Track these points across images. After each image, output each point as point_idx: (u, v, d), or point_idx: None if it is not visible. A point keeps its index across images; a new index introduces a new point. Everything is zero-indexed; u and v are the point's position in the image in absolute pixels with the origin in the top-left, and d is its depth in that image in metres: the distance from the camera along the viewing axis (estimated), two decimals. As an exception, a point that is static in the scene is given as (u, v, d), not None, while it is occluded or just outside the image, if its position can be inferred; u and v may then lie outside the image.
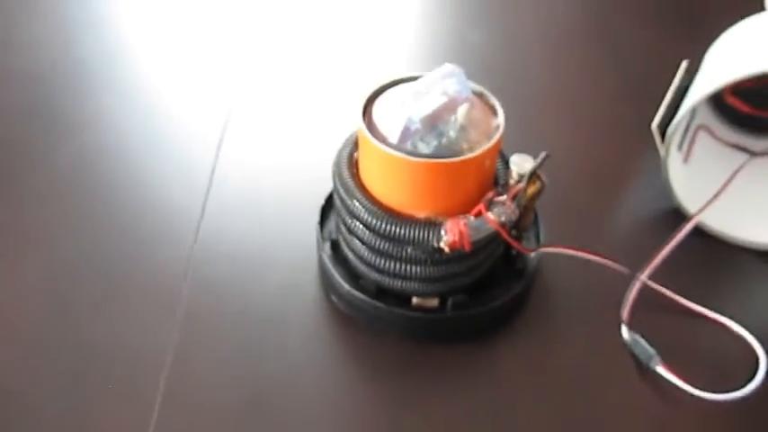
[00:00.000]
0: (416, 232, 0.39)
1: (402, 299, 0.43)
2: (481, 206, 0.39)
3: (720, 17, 0.53)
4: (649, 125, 0.49)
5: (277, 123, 0.61)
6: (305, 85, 0.65)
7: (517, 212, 0.39)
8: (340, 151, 0.43)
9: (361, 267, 0.43)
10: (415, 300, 0.43)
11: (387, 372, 0.43)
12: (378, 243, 0.41)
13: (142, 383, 0.42)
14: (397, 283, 0.42)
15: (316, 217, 0.48)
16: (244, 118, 0.61)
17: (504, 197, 0.39)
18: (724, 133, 0.54)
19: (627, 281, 0.45)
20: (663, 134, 0.49)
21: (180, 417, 0.41)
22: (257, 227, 0.51)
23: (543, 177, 0.40)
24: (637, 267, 0.46)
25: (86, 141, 0.58)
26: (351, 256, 0.44)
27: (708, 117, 0.54)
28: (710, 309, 0.45)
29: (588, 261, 0.45)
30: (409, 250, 0.40)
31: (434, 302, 0.43)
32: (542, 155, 0.39)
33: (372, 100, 0.40)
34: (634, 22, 0.73)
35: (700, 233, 0.49)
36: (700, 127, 0.52)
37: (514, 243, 0.40)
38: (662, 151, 0.48)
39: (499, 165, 0.42)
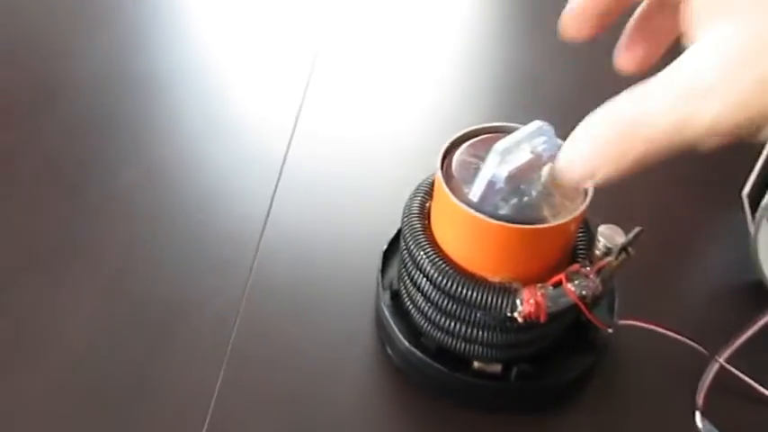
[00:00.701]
0: (489, 298, 0.36)
1: (463, 362, 0.41)
2: (562, 276, 0.36)
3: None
4: (737, 189, 0.46)
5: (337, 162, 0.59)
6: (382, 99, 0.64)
7: (600, 288, 0.36)
8: (411, 199, 0.41)
9: (422, 323, 0.41)
10: (476, 364, 0.41)
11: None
12: (444, 303, 0.38)
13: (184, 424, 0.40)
14: (459, 345, 0.40)
15: (376, 250, 0.46)
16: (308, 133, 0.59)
17: (587, 269, 0.36)
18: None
19: (703, 361, 0.42)
20: (753, 203, 0.45)
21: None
22: (313, 263, 0.49)
23: (631, 251, 0.37)
24: (715, 347, 0.42)
25: (155, 154, 0.58)
26: (412, 309, 0.41)
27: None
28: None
29: (663, 336, 0.42)
30: (478, 315, 0.37)
31: (497, 369, 0.41)
32: (636, 230, 0.36)
33: (452, 148, 0.38)
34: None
35: None
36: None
37: (593, 318, 0.37)
38: (751, 227, 0.45)
39: (581, 230, 0.39)
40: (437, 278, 0.37)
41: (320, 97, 0.64)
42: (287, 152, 0.58)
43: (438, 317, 0.39)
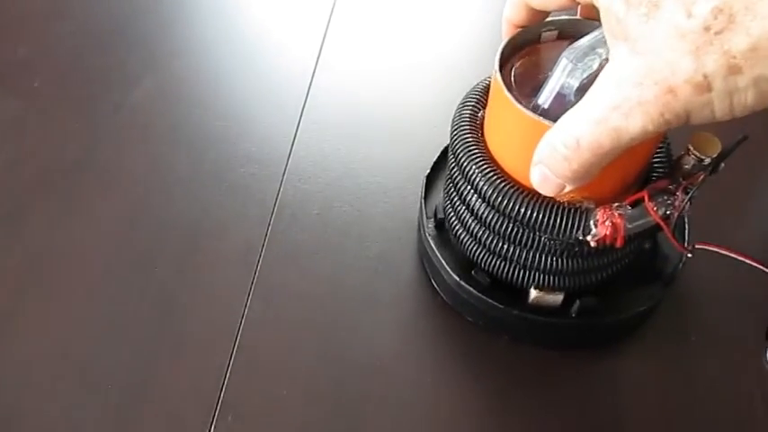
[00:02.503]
0: (558, 219, 0.31)
1: (517, 296, 0.37)
2: (644, 194, 0.31)
3: None
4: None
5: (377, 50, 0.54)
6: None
7: (687, 207, 0.31)
8: (460, 109, 0.35)
9: (474, 249, 0.36)
10: (533, 294, 0.36)
11: (494, 374, 0.37)
12: (503, 226, 0.33)
13: (214, 348, 0.38)
14: (518, 274, 0.35)
15: (414, 175, 0.42)
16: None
17: (673, 186, 0.32)
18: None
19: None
20: None
21: (251, 390, 0.36)
22: (344, 188, 0.45)
23: (722, 165, 0.32)
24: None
25: (173, 66, 0.53)
26: (462, 234, 0.37)
27: None
28: None
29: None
30: (543, 239, 0.33)
31: (558, 300, 0.36)
32: (739, 137, 0.31)
33: (512, 53, 0.32)
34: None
35: None
36: None
37: (675, 242, 0.32)
38: None
39: (660, 145, 0.34)
40: (494, 198, 0.32)
41: (349, 16, 0.58)
42: (315, 70, 0.53)
43: (494, 242, 0.35)
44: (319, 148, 0.48)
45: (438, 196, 0.41)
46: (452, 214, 0.37)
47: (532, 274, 0.35)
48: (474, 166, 0.33)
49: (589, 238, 0.31)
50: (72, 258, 0.42)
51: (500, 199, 0.32)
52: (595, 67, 0.30)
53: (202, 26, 0.57)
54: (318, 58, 0.54)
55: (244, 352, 0.38)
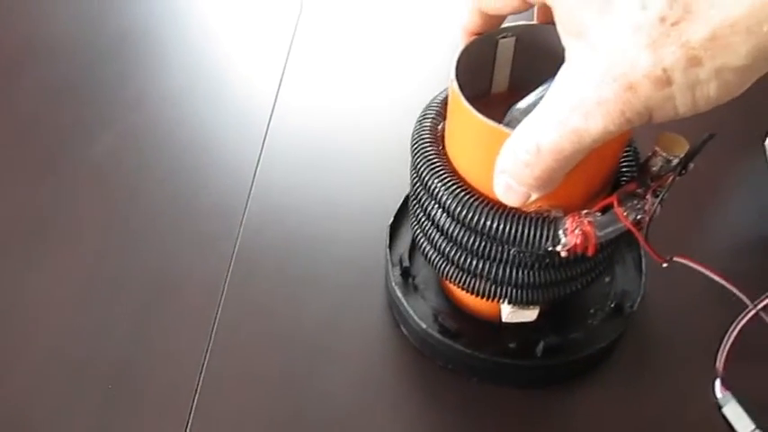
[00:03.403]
0: (526, 231, 0.30)
1: (485, 339, 0.38)
2: (613, 199, 0.30)
3: None
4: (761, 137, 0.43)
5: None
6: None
7: (657, 210, 0.30)
8: (419, 122, 0.34)
9: (444, 267, 0.35)
10: (507, 310, 0.35)
11: (464, 416, 0.38)
12: (470, 241, 0.32)
13: (173, 404, 0.38)
14: (489, 288, 0.34)
15: (376, 218, 0.42)
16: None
17: (641, 189, 0.31)
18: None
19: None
20: None
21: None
22: (305, 234, 0.46)
23: (691, 166, 0.31)
24: (727, 307, 0.37)
25: (132, 119, 0.53)
26: (432, 253, 0.35)
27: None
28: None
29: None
30: (512, 252, 0.32)
31: (533, 315, 0.36)
32: (705, 136, 0.30)
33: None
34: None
35: None
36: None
37: (650, 247, 0.31)
38: None
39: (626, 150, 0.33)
40: (459, 211, 0.31)
41: (305, 57, 0.59)
42: (271, 115, 0.54)
43: (463, 258, 0.33)
44: (278, 197, 0.48)
45: (403, 244, 0.42)
46: (420, 233, 0.36)
47: (504, 289, 0.34)
48: (436, 180, 0.32)
49: (559, 248, 0.30)
50: (31, 315, 0.41)
51: (465, 212, 0.31)
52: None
53: (159, 78, 0.58)
54: (272, 114, 0.54)
55: (202, 408, 0.37)
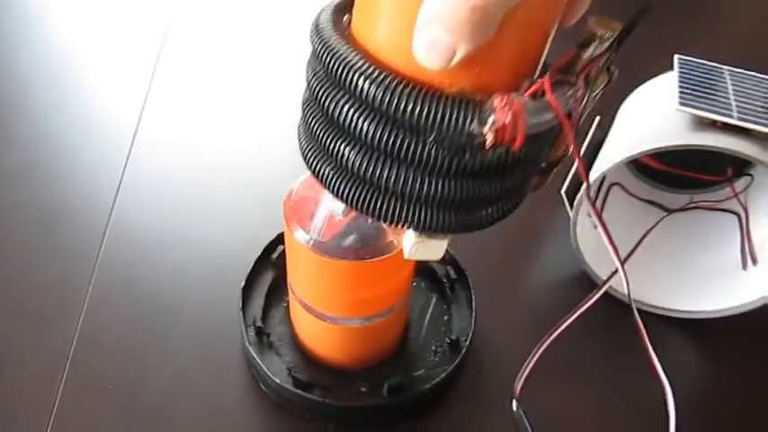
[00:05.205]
0: (448, 110, 0.26)
1: (337, 387, 0.41)
2: (544, 81, 0.27)
3: (636, 73, 0.51)
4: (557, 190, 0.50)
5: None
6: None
7: (586, 101, 0.29)
8: (318, 15, 0.30)
9: (344, 189, 0.30)
10: (412, 240, 0.31)
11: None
12: (381, 134, 0.27)
13: None
14: (394, 208, 0.29)
15: (228, 280, 0.44)
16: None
17: (570, 74, 0.28)
18: (639, 188, 0.55)
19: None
20: (570, 199, 0.48)
21: None
22: (155, 300, 0.47)
23: (614, 69, 0.30)
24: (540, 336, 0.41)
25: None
26: (329, 173, 0.30)
27: (621, 173, 0.55)
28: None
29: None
30: (428, 144, 0.27)
31: (441, 249, 0.32)
32: (639, 10, 0.28)
33: None
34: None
35: (611, 298, 0.48)
36: (613, 184, 0.53)
37: (575, 146, 0.29)
38: (572, 217, 0.47)
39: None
40: (376, 95, 0.26)
41: (163, 101, 0.62)
42: (115, 201, 0.55)
43: (368, 166, 0.29)
44: (123, 271, 0.49)
45: (256, 304, 0.45)
46: (317, 152, 0.31)
47: (412, 208, 0.29)
48: (347, 67, 0.27)
49: (486, 128, 0.26)
50: None
51: (383, 95, 0.27)
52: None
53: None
54: (118, 190, 0.56)
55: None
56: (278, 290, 0.46)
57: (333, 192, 0.30)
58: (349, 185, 0.30)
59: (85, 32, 0.70)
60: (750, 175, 0.52)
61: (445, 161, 0.28)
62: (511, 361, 0.44)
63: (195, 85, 0.65)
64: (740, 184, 0.53)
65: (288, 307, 0.45)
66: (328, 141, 0.29)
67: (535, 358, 0.42)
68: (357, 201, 0.30)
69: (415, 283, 0.47)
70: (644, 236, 0.51)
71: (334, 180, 0.30)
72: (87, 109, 0.62)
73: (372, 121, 0.28)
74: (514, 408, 0.42)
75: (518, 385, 0.42)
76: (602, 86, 0.30)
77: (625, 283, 0.39)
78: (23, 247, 0.50)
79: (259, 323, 0.43)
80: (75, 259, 0.50)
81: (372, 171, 0.28)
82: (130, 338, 0.45)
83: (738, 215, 0.53)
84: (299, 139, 0.33)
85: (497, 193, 0.30)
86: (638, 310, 0.49)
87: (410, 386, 0.42)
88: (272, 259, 0.47)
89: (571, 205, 0.47)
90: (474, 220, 0.30)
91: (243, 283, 0.45)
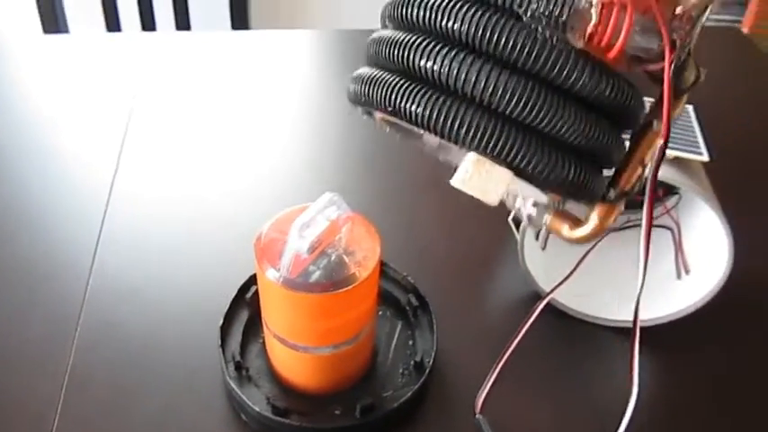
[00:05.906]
0: None
1: (314, 413, 0.45)
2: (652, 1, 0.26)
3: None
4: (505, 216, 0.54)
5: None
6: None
7: (693, 37, 0.27)
8: None
9: (420, 109, 0.29)
10: (471, 161, 0.29)
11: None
12: (480, 20, 0.27)
13: None
14: (458, 125, 0.28)
15: (207, 317, 0.48)
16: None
17: (680, 11, 0.27)
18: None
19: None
20: (518, 225, 0.52)
21: None
22: (139, 344, 0.50)
23: (703, 70, 0.30)
24: (498, 353, 0.46)
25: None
26: (386, 77, 0.30)
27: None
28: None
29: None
30: (525, 22, 0.26)
31: (503, 181, 0.30)
32: None
33: None
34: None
35: (560, 314, 0.54)
36: (557, 208, 0.58)
37: (668, 81, 0.27)
38: (519, 241, 0.52)
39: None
40: None
41: (136, 158, 0.65)
42: (97, 246, 0.58)
43: (454, 67, 0.27)
44: (109, 313, 0.52)
45: (234, 341, 0.48)
46: (389, 84, 0.30)
47: (485, 119, 0.28)
48: None
49: (592, 6, 0.24)
50: None
51: None
52: (325, 224, 0.40)
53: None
54: (98, 243, 0.59)
55: None
56: (254, 326, 0.50)
57: (409, 116, 0.29)
58: (424, 103, 0.29)
59: (59, 100, 0.74)
60: (677, 193, 0.57)
61: (533, 54, 0.26)
62: (472, 377, 0.49)
63: (165, 142, 0.70)
64: (671, 201, 0.58)
65: (264, 342, 0.48)
66: (411, 55, 0.29)
67: (495, 373, 0.46)
68: (431, 119, 0.28)
69: (381, 312, 0.51)
70: (585, 254, 0.56)
71: (409, 105, 0.29)
72: (65, 171, 0.66)
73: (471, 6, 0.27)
74: (478, 419, 0.46)
75: (480, 399, 0.46)
76: (691, 83, 0.30)
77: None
78: (12, 301, 0.53)
79: (238, 358, 0.47)
80: (62, 309, 0.53)
81: (457, 74, 0.27)
82: (117, 375, 0.48)
83: (671, 230, 0.58)
84: (363, 87, 0.32)
85: (574, 137, 0.29)
86: (586, 321, 0.54)
87: (381, 406, 0.45)
88: (246, 299, 0.50)
89: (518, 230, 0.52)
90: (542, 164, 0.29)
91: (221, 322, 0.48)
